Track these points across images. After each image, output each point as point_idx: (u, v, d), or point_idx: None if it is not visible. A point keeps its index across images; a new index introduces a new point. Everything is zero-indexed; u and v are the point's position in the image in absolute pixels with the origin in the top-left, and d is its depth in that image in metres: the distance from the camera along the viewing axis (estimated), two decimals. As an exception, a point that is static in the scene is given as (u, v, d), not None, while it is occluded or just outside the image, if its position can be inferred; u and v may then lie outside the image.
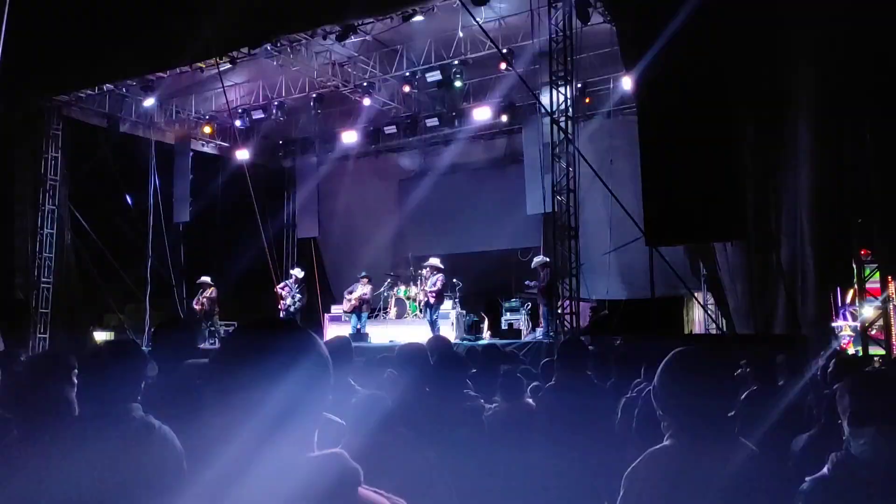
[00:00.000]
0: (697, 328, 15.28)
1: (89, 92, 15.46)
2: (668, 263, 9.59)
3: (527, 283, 13.39)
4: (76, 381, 2.55)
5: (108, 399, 2.43)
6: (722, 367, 2.33)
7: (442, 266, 13.94)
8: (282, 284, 15.23)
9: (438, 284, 13.60)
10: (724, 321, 12.63)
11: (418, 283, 15.70)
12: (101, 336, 16.62)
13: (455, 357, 3.82)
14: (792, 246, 10.41)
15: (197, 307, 15.12)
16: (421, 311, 14.33)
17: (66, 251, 15.41)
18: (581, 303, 12.30)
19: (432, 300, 13.60)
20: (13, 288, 14.96)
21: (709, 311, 13.54)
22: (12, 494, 2.38)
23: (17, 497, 2.40)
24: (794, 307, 9.87)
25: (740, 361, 5.19)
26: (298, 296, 15.09)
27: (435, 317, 13.57)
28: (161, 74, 14.70)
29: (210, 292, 15.10)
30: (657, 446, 2.14)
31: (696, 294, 13.96)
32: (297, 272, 15.23)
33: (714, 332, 12.93)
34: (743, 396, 4.37)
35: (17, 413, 2.73)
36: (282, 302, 15.06)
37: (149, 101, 15.75)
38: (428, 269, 14.03)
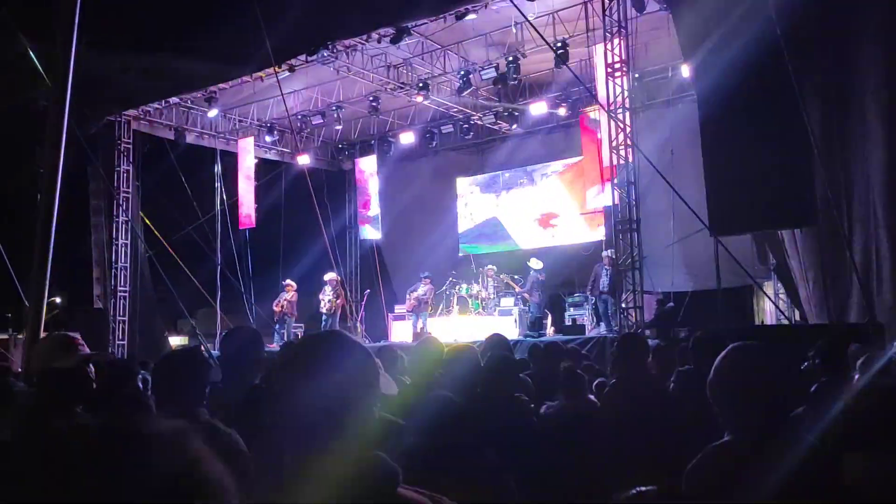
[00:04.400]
0: (769, 318, 14.84)
1: (156, 106, 16.05)
2: (731, 254, 9.34)
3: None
4: (142, 387, 2.68)
5: (175, 404, 2.54)
6: (783, 360, 2.28)
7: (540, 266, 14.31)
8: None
9: (529, 285, 13.90)
10: (795, 311, 12.25)
11: (479, 280, 15.76)
12: (175, 340, 17.23)
13: (505, 358, 3.81)
14: (865, 231, 10.01)
15: (276, 308, 15.50)
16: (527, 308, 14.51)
17: (140, 260, 15.99)
18: (646, 295, 12.10)
19: (526, 296, 13.91)
20: (92, 298, 15.64)
21: (779, 301, 13.14)
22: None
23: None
24: (868, 295, 9.50)
25: (809, 353, 5.02)
26: (330, 298, 15.27)
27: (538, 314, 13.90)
28: (223, 86, 15.13)
29: (291, 295, 15.46)
30: (716, 443, 2.11)
31: (765, 283, 13.57)
32: (329, 276, 15.42)
33: (785, 322, 12.54)
34: (812, 390, 4.23)
35: (93, 418, 2.88)
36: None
37: (212, 112, 16.23)
38: (531, 271, 14.21)
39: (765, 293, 13.03)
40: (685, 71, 12.93)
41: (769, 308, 14.38)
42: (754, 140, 9.52)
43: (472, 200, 18.77)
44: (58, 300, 16.93)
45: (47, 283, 5.14)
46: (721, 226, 9.79)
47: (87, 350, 2.73)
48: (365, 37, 13.30)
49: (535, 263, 14.44)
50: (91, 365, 2.70)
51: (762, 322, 14.95)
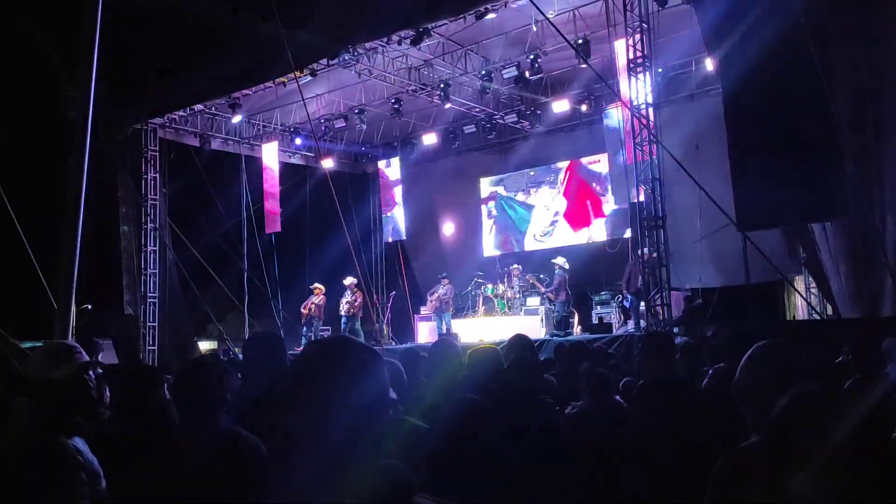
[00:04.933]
0: (800, 314, 14.61)
1: (181, 113, 16.23)
2: (760, 249, 9.20)
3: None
4: (168, 395, 2.70)
5: (196, 411, 2.55)
6: (812, 357, 2.22)
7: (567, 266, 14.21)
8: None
9: (555, 283, 13.81)
10: (827, 305, 12.04)
11: (505, 280, 15.72)
12: (204, 345, 17.41)
13: (528, 359, 3.78)
14: (899, 223, 9.81)
15: (304, 311, 15.61)
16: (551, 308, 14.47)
17: (169, 266, 16.18)
18: (673, 292, 11.97)
19: (551, 296, 13.82)
20: (123, 304, 15.85)
21: (810, 296, 12.93)
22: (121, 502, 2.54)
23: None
24: (903, 287, 9.30)
25: (841, 349, 4.91)
26: (348, 300, 15.32)
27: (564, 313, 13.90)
28: (247, 91, 15.25)
29: (320, 299, 15.56)
30: (743, 444, 2.06)
31: (795, 278, 13.35)
32: (348, 280, 15.47)
33: (817, 317, 12.33)
34: (845, 386, 4.14)
35: (119, 427, 2.90)
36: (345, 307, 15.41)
37: (236, 118, 16.37)
38: (556, 267, 14.14)
39: (795, 288, 12.83)
40: (709, 64, 12.79)
41: (800, 303, 14.16)
42: (781, 132, 9.37)
43: (497, 199, 18.72)
44: (89, 307, 17.18)
45: (74, 290, 5.20)
46: (748, 221, 9.65)
47: (86, 357, 2.73)
48: (385, 39, 13.33)
49: (561, 261, 14.35)
50: (91, 372, 2.70)
51: (793, 317, 14.72)
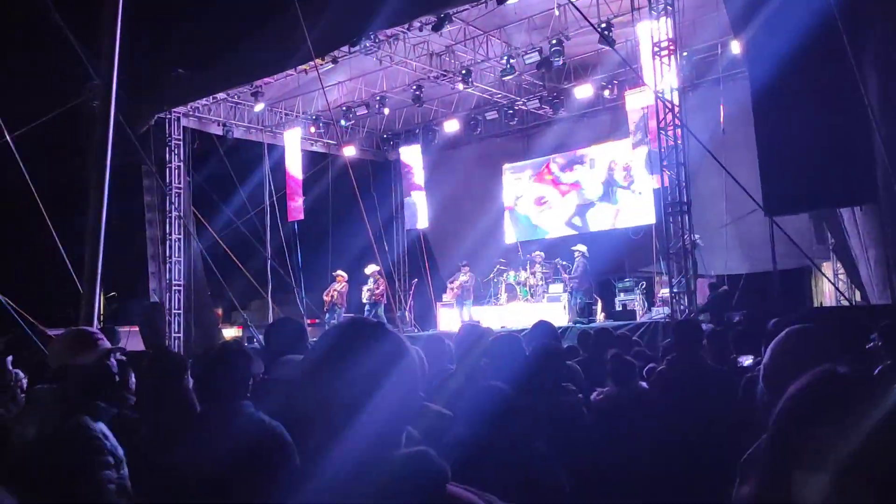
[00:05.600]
0: (828, 300, 14.40)
1: (204, 102, 16.32)
2: (787, 234, 9.05)
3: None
4: (191, 381, 2.71)
5: (219, 397, 2.56)
6: (842, 344, 2.16)
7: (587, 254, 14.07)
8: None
9: (580, 269, 13.73)
10: (855, 292, 11.84)
11: (527, 267, 15.66)
12: (228, 332, 17.57)
13: (551, 347, 3.74)
14: (930, 207, 9.59)
15: (326, 298, 15.68)
16: (571, 297, 14.37)
17: (193, 254, 16.32)
18: (699, 279, 11.85)
19: (575, 285, 13.74)
20: (148, 292, 16.04)
21: (839, 282, 12.72)
22: (143, 488, 2.55)
23: (148, 489, 2.57)
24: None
25: (871, 335, 4.81)
26: (370, 288, 15.35)
27: (588, 300, 13.85)
28: (269, 80, 15.28)
29: (342, 286, 15.62)
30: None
31: (823, 264, 13.15)
32: (369, 268, 15.50)
33: (845, 304, 12.14)
34: (875, 373, 4.05)
35: (143, 412, 2.92)
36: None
37: (259, 106, 16.41)
38: (577, 254, 14.07)
39: (824, 274, 12.63)
40: (735, 47, 12.58)
41: (828, 289, 13.96)
42: (810, 115, 9.18)
43: (519, 186, 18.61)
44: (114, 294, 17.42)
45: (99, 278, 5.25)
46: (776, 206, 9.49)
47: (108, 344, 2.75)
48: (406, 25, 13.26)
49: (583, 248, 14.27)
50: (113, 359, 2.72)
51: (820, 304, 14.52)
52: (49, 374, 3.79)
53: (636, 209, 16.01)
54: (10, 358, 3.07)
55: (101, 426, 2.57)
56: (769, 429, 1.42)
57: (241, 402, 2.57)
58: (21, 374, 5.07)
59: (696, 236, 11.74)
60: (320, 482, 1.31)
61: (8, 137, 8.10)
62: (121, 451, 2.57)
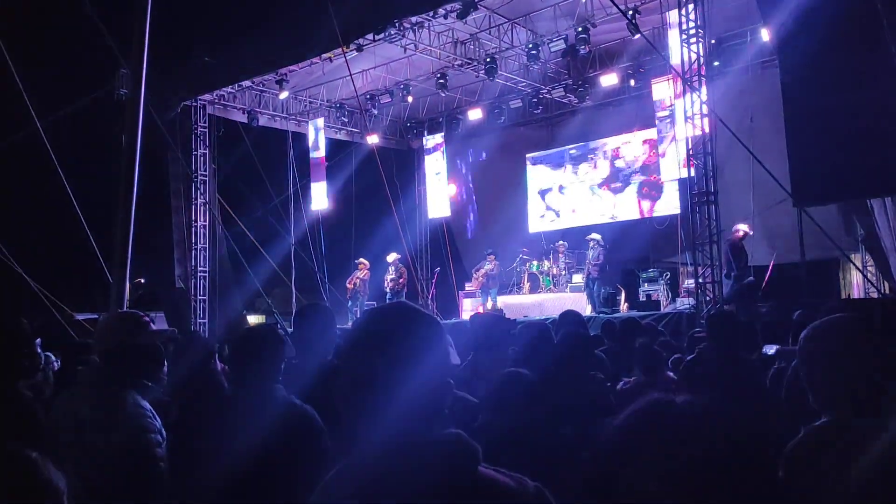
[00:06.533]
0: (856, 292, 14.20)
1: (229, 90, 16.41)
2: (818, 225, 8.92)
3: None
4: (220, 364, 2.73)
5: (251, 380, 2.58)
6: (877, 334, 2.12)
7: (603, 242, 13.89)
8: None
9: (601, 258, 13.61)
10: (884, 283, 11.67)
11: (550, 257, 15.61)
12: (252, 319, 17.71)
13: (580, 335, 3.73)
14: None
15: (349, 286, 15.76)
16: (586, 284, 14.28)
17: (218, 241, 16.46)
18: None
19: (595, 274, 13.62)
20: (174, 278, 16.21)
21: (867, 274, 12.53)
22: (174, 470, 2.58)
23: (178, 471, 2.60)
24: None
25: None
26: (392, 278, 15.37)
27: (600, 290, 13.62)
28: (294, 68, 15.31)
29: (364, 273, 15.69)
30: (815, 424, 1.98)
31: (852, 256, 12.95)
32: (391, 257, 15.52)
33: (875, 296, 11.96)
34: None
35: (173, 395, 2.96)
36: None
37: (283, 94, 16.46)
38: (590, 241, 14.00)
39: (855, 264, 12.44)
40: (765, 34, 12.38)
41: (857, 281, 13.75)
42: (841, 104, 9.01)
43: (543, 174, 18.54)
44: (142, 281, 17.61)
45: (129, 263, 5.31)
46: (805, 196, 9.35)
47: (156, 327, 2.79)
48: (431, 13, 13.20)
49: (598, 237, 14.14)
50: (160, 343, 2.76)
51: (848, 296, 14.32)
52: (82, 356, 3.85)
53: (661, 199, 15.88)
54: (38, 340, 3.13)
55: (148, 405, 2.62)
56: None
57: (273, 385, 2.59)
58: (52, 357, 5.15)
59: (747, 225, 11.60)
60: (354, 463, 1.32)
61: (38, 124, 8.19)
62: (163, 432, 2.61)
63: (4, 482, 1.15)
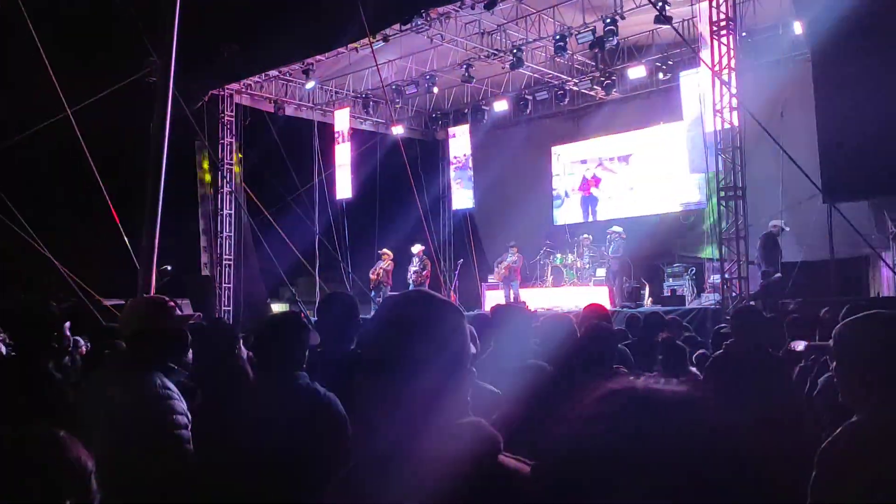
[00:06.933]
0: (886, 290, 13.96)
1: (256, 79, 16.50)
2: (849, 221, 8.78)
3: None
4: (245, 351, 2.76)
5: (276, 367, 2.60)
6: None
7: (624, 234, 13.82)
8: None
9: (621, 251, 13.54)
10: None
11: (574, 250, 15.53)
12: (276, 307, 17.84)
13: (604, 328, 3.70)
14: None
15: (372, 276, 15.81)
16: (607, 277, 14.23)
17: (244, 230, 16.59)
18: (751, 265, 11.60)
19: (616, 267, 13.56)
20: (200, 266, 16.38)
21: (899, 272, 12.30)
22: (198, 454, 2.61)
23: (202, 456, 2.63)
24: None
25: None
26: (416, 269, 15.38)
27: (622, 284, 13.59)
28: (320, 57, 15.36)
29: (387, 264, 15.74)
30: (850, 421, 1.94)
31: (882, 253, 12.72)
32: (416, 248, 15.54)
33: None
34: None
35: (198, 380, 2.99)
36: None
37: (309, 84, 16.52)
38: (612, 234, 13.92)
39: (885, 262, 12.23)
40: (797, 28, 12.18)
41: (887, 279, 13.52)
42: (873, 99, 8.86)
43: (568, 167, 18.44)
44: (168, 268, 17.81)
45: (156, 250, 5.38)
46: (835, 191, 9.22)
47: (182, 312, 2.83)
48: (458, 3, 13.15)
49: (619, 230, 14.09)
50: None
51: (878, 294, 14.08)
52: (110, 339, 3.91)
53: (687, 193, 15.73)
54: (68, 324, 3.19)
55: (174, 387, 2.66)
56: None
57: (297, 373, 2.61)
58: (81, 341, 5.24)
59: (782, 221, 11.46)
60: (375, 448, 1.32)
61: (68, 112, 8.30)
62: (188, 415, 2.65)
63: (33, 461, 1.17)
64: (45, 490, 1.15)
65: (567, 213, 18.32)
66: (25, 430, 1.22)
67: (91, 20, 14.70)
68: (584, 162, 18.15)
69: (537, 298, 14.53)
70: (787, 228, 11.52)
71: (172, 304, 2.81)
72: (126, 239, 7.78)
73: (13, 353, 3.32)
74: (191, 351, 3.33)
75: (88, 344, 5.18)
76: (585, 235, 15.64)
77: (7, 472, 1.14)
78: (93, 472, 1.22)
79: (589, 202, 17.99)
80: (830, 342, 2.10)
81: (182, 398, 2.63)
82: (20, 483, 1.13)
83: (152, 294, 5.35)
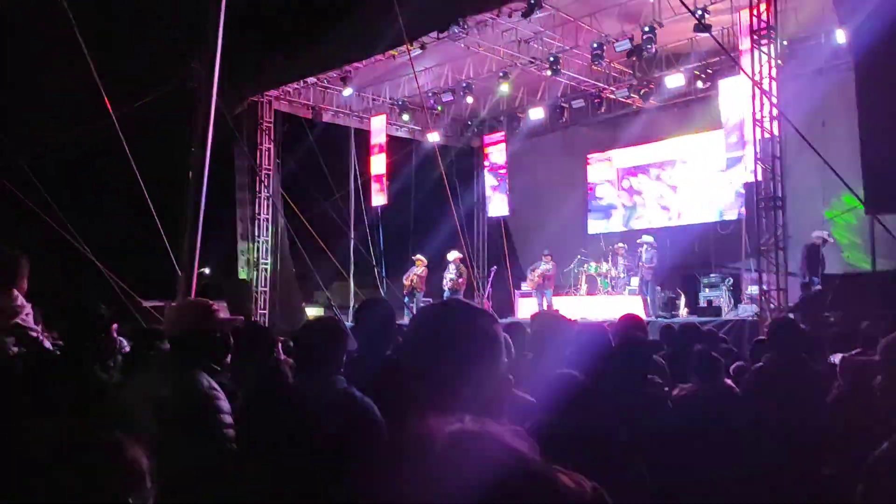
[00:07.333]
0: (930, 305, 13.61)
1: (295, 86, 16.73)
2: (891, 232, 8.59)
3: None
4: (282, 355, 2.82)
5: (315, 372, 2.65)
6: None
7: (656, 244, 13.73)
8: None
9: (655, 261, 13.43)
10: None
11: (609, 259, 15.42)
12: (311, 312, 18.02)
13: (639, 339, 3.69)
14: None
15: (406, 283, 15.89)
16: (640, 287, 14.13)
17: (280, 234, 16.81)
18: (790, 277, 11.41)
19: (648, 277, 13.45)
20: (237, 269, 16.63)
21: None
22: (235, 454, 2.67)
23: (242, 455, 2.68)
24: None
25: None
26: (452, 277, 15.38)
27: (655, 294, 13.46)
28: (358, 65, 15.52)
29: (421, 270, 15.80)
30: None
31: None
32: (452, 255, 15.54)
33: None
34: None
35: (240, 382, 3.06)
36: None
37: (347, 91, 16.70)
38: (642, 244, 13.84)
39: (928, 276, 11.94)
40: (840, 36, 11.98)
41: (931, 293, 13.17)
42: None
43: (604, 176, 18.35)
44: (207, 271, 18.11)
45: (197, 254, 5.49)
46: (879, 203, 9.03)
47: (225, 314, 2.89)
48: (496, 12, 13.19)
49: (650, 239, 13.95)
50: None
51: (922, 308, 13.74)
52: (151, 340, 4.00)
53: (724, 203, 15.54)
54: (115, 326, 3.29)
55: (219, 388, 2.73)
56: None
57: (336, 377, 2.66)
58: (124, 342, 5.36)
59: (825, 232, 11.28)
60: (412, 455, 1.35)
61: (113, 116, 8.49)
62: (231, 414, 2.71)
63: (92, 462, 1.21)
64: (109, 490, 1.19)
65: (601, 221, 18.22)
66: (85, 432, 1.27)
67: (136, 25, 15.06)
68: (621, 170, 18.05)
69: (570, 307, 14.45)
70: (832, 240, 11.30)
71: (215, 307, 2.88)
72: (167, 242, 7.92)
73: (59, 354, 3.42)
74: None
75: (128, 345, 5.30)
76: (620, 244, 15.53)
77: (70, 473, 1.18)
78: (147, 472, 1.27)
79: (624, 211, 17.88)
80: (875, 355, 2.08)
81: (226, 398, 2.69)
82: (85, 484, 1.18)
83: (192, 297, 5.46)
